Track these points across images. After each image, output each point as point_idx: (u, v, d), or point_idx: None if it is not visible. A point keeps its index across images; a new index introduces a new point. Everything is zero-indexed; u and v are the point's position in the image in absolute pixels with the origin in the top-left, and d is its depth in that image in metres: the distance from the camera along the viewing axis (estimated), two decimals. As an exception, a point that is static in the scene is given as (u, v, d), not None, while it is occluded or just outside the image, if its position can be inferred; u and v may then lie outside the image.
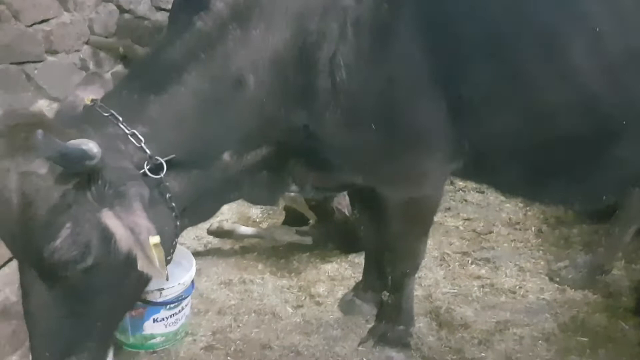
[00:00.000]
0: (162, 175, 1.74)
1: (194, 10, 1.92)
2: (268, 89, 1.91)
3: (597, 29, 1.93)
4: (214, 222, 3.53)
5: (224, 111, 1.90)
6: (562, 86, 1.98)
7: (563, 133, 2.05)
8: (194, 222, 2.17)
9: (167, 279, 2.00)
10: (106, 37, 3.88)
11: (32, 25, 3.29)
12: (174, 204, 1.81)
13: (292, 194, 3.24)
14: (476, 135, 2.05)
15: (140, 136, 1.72)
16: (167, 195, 1.79)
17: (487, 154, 2.13)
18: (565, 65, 1.96)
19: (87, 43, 3.72)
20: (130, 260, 1.58)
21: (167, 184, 1.78)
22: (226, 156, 1.99)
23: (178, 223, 1.86)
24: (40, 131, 1.45)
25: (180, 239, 3.39)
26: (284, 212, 3.72)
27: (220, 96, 1.88)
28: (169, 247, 1.85)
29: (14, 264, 2.57)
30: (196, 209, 2.02)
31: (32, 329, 1.77)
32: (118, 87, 1.94)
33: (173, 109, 1.83)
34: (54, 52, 3.44)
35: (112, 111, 1.74)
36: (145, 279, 1.81)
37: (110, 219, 1.59)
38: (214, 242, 3.55)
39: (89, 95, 1.88)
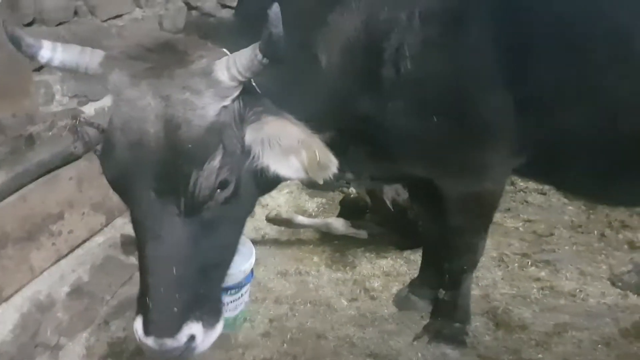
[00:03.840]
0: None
1: None
2: (337, 73, 1.94)
3: None
4: (272, 210, 3.62)
5: (304, 79, 1.90)
6: (635, 85, 1.93)
7: (632, 132, 2.00)
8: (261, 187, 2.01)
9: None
10: (174, 33, 4.02)
11: (106, 20, 3.44)
12: None
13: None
14: (543, 130, 2.03)
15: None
16: None
17: (552, 151, 2.10)
18: (638, 64, 1.92)
19: (156, 38, 3.87)
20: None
21: None
22: None
23: None
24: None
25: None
26: (339, 207, 3.76)
27: (303, 66, 1.89)
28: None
29: (87, 245, 2.74)
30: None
31: (152, 281, 1.57)
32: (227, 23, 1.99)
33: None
34: (125, 46, 3.60)
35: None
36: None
37: (272, 121, 1.58)
38: (271, 233, 3.63)
39: None
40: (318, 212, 3.93)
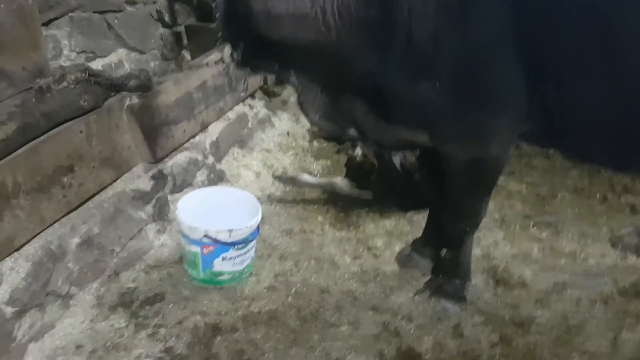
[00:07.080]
0: None
1: None
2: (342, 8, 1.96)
3: None
4: (278, 169, 3.66)
5: None
6: None
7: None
8: None
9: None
10: (181, -11, 4.00)
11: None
12: None
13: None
14: (553, 98, 2.02)
15: None
16: None
17: (562, 119, 2.10)
18: None
19: (163, -6, 3.86)
20: None
21: None
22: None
23: None
24: None
25: (245, 188, 3.59)
26: (343, 169, 3.79)
27: None
28: None
29: (97, 198, 2.79)
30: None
31: None
32: None
33: None
34: (132, 3, 3.59)
35: None
36: None
37: None
38: (277, 193, 3.68)
39: None
40: (323, 174, 3.96)
